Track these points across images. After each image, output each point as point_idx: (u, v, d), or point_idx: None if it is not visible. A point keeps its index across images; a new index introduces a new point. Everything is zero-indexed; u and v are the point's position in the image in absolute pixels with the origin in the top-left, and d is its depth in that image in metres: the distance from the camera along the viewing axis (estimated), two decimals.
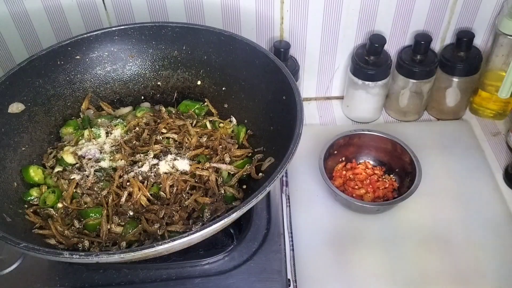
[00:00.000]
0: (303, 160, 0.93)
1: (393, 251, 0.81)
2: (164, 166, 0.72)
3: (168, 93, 0.87)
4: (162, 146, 0.76)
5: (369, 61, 0.95)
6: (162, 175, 0.71)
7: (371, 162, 0.93)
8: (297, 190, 0.91)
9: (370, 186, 0.88)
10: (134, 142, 0.77)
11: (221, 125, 0.82)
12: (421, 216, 0.86)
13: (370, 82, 0.96)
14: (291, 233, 0.83)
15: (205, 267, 0.68)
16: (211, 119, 0.83)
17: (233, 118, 0.82)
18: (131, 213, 0.68)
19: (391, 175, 0.91)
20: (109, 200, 0.69)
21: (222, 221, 0.55)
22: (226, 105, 0.84)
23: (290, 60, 0.96)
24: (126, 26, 0.82)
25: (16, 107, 0.74)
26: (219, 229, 0.57)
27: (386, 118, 1.07)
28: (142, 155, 0.74)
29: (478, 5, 0.94)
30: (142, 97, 0.87)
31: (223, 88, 0.83)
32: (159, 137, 0.77)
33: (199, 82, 0.86)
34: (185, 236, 0.53)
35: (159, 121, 0.81)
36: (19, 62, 0.75)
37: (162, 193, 0.70)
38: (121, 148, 0.76)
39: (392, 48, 1.01)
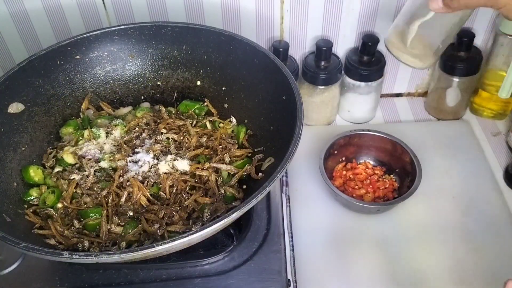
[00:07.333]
0: (303, 160, 0.93)
1: (393, 251, 0.81)
2: (164, 166, 0.72)
3: (168, 93, 0.87)
4: (162, 146, 0.76)
5: (363, 61, 0.95)
6: (162, 175, 0.71)
7: (371, 162, 0.93)
8: (297, 190, 0.91)
9: (370, 186, 0.88)
10: (134, 142, 0.77)
11: (221, 125, 0.82)
12: (421, 216, 0.85)
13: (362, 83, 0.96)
14: (291, 233, 0.83)
15: (205, 267, 0.68)
16: (211, 119, 0.83)
17: (233, 118, 0.82)
18: (131, 213, 0.68)
19: (391, 175, 0.91)
20: (109, 200, 0.69)
21: (222, 221, 0.55)
22: (226, 105, 0.84)
23: (289, 60, 0.96)
24: (126, 26, 0.82)
25: (16, 107, 0.74)
26: (219, 229, 0.57)
27: (386, 118, 1.07)
28: (141, 153, 0.74)
29: None
30: (142, 97, 0.87)
31: (223, 88, 0.83)
32: (159, 137, 0.77)
33: (199, 82, 0.85)
34: (185, 236, 0.53)
35: (159, 121, 0.81)
36: (19, 62, 0.75)
37: (162, 193, 0.70)
38: (121, 148, 0.76)
39: None
